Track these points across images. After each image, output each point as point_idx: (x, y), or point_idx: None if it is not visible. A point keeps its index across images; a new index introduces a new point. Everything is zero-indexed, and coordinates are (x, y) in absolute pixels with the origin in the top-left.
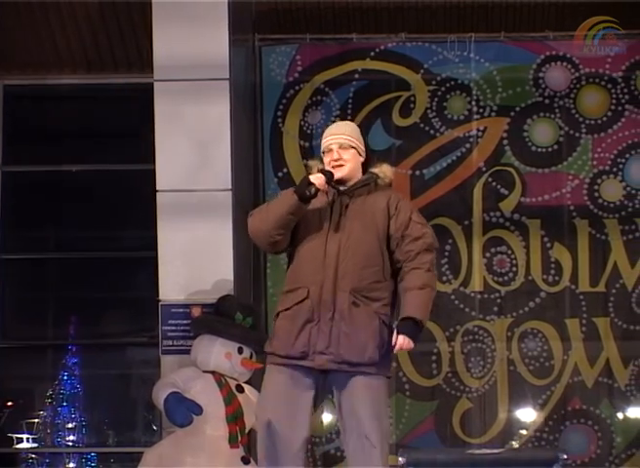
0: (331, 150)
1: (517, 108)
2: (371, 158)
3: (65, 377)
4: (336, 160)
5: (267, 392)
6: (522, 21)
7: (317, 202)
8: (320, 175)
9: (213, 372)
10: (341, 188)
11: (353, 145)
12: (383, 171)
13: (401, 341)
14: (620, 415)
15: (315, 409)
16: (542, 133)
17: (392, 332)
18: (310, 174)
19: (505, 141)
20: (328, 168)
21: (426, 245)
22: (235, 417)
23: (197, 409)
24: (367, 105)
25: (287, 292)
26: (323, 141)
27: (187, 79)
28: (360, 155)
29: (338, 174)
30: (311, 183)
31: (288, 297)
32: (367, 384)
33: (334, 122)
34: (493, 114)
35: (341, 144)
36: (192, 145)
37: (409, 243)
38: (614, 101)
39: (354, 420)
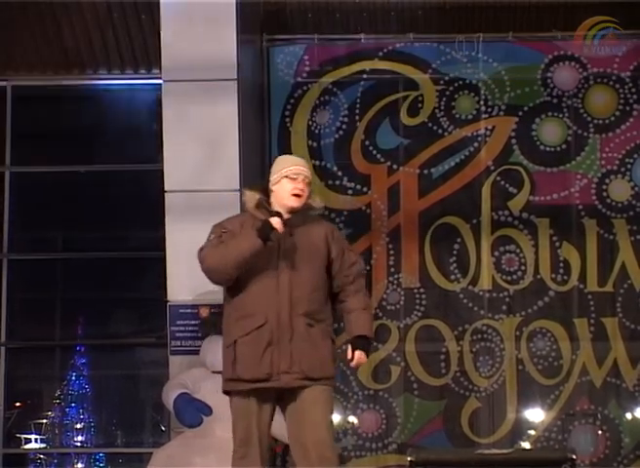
0: (296, 179)
1: (525, 108)
2: None
3: (74, 378)
4: (301, 190)
5: (240, 421)
6: (530, 22)
7: None
8: (277, 219)
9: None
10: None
11: (310, 182)
12: (317, 202)
13: (358, 356)
14: (628, 416)
15: None
16: (551, 132)
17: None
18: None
19: (514, 141)
20: (277, 208)
21: (361, 269)
22: None
23: (207, 410)
24: (375, 105)
25: (239, 318)
26: (289, 168)
27: (195, 79)
28: None
29: (296, 203)
30: (274, 228)
31: (242, 324)
32: (322, 394)
33: (343, 123)
34: (501, 113)
35: (305, 178)
36: (200, 146)
37: (347, 268)
38: (622, 101)
39: (310, 427)
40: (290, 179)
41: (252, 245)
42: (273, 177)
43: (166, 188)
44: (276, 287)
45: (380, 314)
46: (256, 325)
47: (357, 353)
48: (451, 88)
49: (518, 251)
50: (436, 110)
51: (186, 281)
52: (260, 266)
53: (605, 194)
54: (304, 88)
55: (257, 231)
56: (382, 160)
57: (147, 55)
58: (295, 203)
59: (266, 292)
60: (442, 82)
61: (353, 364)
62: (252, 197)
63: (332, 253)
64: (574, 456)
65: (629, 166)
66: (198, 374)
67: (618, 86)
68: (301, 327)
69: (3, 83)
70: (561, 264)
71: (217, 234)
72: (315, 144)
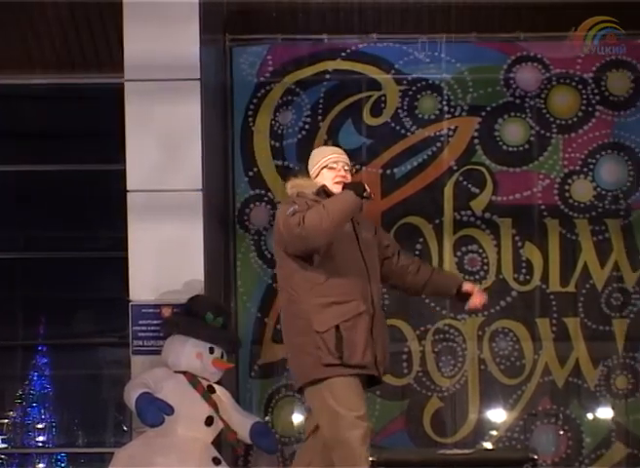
0: (335, 167)
1: (488, 108)
2: None
3: (35, 378)
4: (343, 176)
5: (352, 400)
6: (493, 22)
7: None
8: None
9: (184, 373)
10: None
11: (349, 168)
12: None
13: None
14: (589, 416)
15: None
16: (513, 132)
17: None
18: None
19: (476, 141)
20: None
21: None
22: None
23: (168, 410)
24: (337, 105)
25: (333, 303)
26: (327, 157)
27: (158, 79)
28: None
29: (340, 190)
30: (366, 190)
31: (340, 309)
32: None
33: (305, 123)
34: (464, 114)
35: (344, 165)
36: (163, 146)
37: (398, 248)
38: (584, 102)
39: None
40: (329, 169)
41: (352, 202)
42: (313, 171)
43: (128, 188)
44: (366, 276)
45: None
46: (356, 311)
47: (479, 292)
48: (413, 88)
49: (480, 251)
50: (399, 110)
51: (149, 281)
52: (345, 250)
53: (567, 194)
54: (267, 88)
55: (351, 190)
56: None
57: (110, 54)
58: (339, 190)
59: (358, 280)
60: (405, 82)
61: (483, 301)
62: (312, 184)
63: (384, 241)
64: (535, 456)
65: (592, 166)
66: (160, 374)
67: (580, 87)
68: (383, 319)
69: None
70: (523, 264)
71: (300, 203)
72: (278, 144)
